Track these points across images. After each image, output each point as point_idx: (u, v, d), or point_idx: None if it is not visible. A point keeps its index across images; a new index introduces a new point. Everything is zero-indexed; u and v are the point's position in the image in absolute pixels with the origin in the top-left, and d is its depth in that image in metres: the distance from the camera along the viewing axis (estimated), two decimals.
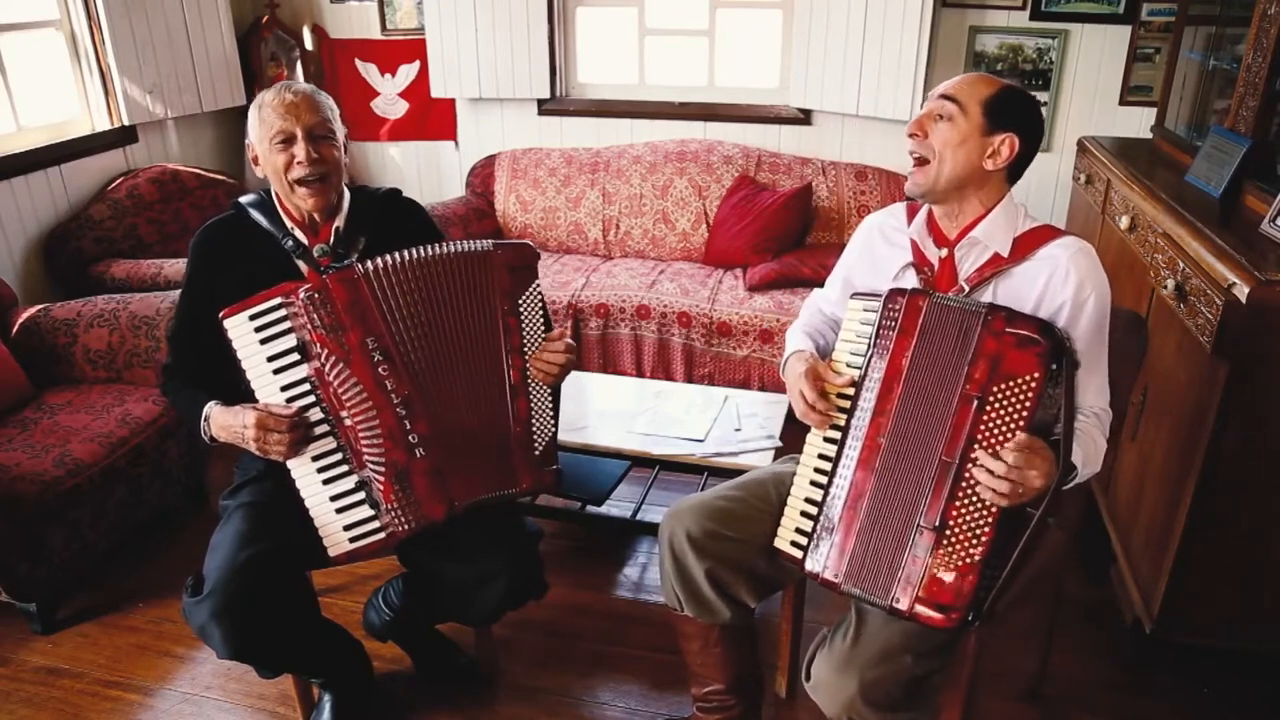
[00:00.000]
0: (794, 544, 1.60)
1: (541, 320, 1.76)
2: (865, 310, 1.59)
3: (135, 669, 2.20)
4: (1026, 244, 1.55)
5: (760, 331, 3.19)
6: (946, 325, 1.47)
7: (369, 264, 1.64)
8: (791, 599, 1.98)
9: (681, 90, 4.01)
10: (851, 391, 1.56)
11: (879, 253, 1.72)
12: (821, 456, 1.59)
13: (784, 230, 3.53)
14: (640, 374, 3.35)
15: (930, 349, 1.48)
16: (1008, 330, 1.41)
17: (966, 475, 1.42)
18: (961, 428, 1.43)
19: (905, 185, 1.60)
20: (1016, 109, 1.52)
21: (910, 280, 1.63)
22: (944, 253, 1.61)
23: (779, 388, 3.18)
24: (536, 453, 1.75)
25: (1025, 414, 1.39)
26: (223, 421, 1.66)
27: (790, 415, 2.34)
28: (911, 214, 1.69)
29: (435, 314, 1.68)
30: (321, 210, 1.74)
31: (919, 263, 1.63)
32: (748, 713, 1.84)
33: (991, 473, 1.38)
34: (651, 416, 2.50)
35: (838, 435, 1.57)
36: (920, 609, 1.45)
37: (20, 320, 2.71)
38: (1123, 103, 3.49)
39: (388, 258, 1.65)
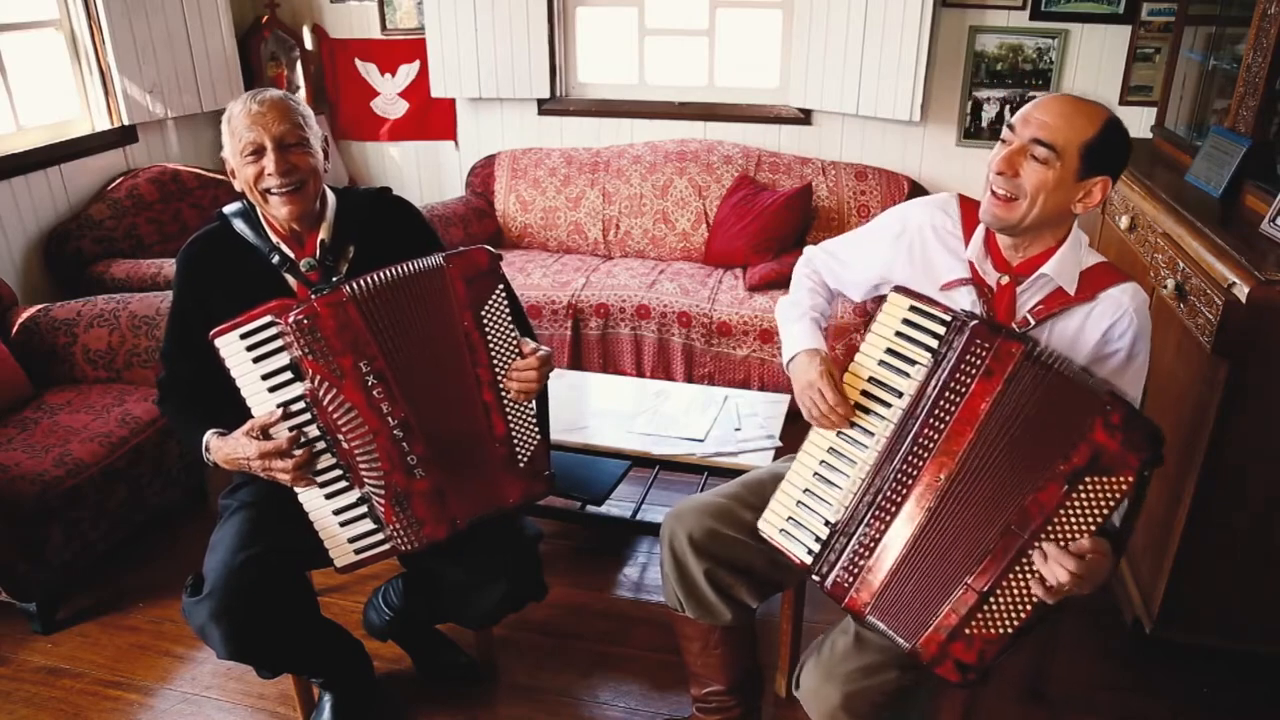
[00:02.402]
0: (784, 533, 1.55)
1: (511, 327, 1.68)
2: (914, 313, 1.46)
3: (135, 669, 2.20)
4: (1091, 283, 1.47)
5: (760, 331, 3.19)
6: (1052, 392, 1.36)
7: (357, 285, 1.58)
8: (792, 600, 1.98)
9: (681, 90, 4.00)
10: (890, 400, 1.47)
11: (932, 254, 1.60)
12: (833, 451, 1.52)
13: (784, 230, 3.53)
14: (640, 374, 3.35)
15: (1022, 408, 1.37)
16: (1122, 429, 1.32)
17: (1029, 554, 1.35)
18: (1042, 504, 1.34)
19: (980, 213, 1.49)
20: (1115, 150, 1.42)
21: (966, 299, 1.54)
22: (1004, 278, 1.52)
23: (779, 387, 3.18)
24: (521, 465, 1.71)
25: (1106, 512, 1.33)
26: (224, 455, 1.64)
27: (791, 415, 2.34)
28: (967, 221, 1.58)
29: (410, 335, 1.63)
30: (300, 219, 1.67)
31: (977, 282, 1.54)
32: (747, 713, 1.84)
33: (1055, 569, 1.31)
34: (651, 416, 2.50)
35: (866, 439, 1.49)
36: (940, 661, 1.41)
37: (20, 320, 2.71)
38: (1123, 103, 3.49)
39: (374, 277, 1.59)
